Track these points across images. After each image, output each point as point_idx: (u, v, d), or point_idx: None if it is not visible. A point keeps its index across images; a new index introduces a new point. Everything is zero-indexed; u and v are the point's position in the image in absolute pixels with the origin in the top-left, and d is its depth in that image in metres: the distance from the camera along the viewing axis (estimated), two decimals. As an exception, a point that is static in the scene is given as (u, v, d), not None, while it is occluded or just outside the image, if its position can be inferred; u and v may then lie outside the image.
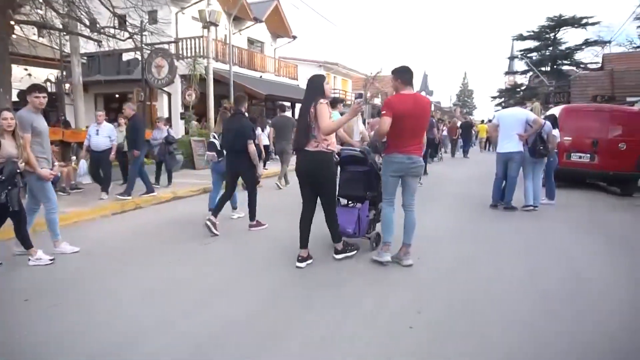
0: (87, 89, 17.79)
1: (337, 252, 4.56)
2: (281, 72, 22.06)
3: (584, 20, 37.23)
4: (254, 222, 5.95)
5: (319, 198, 4.40)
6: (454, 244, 5.21)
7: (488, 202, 7.35)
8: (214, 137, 6.40)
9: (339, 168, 4.83)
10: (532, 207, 6.93)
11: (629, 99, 19.47)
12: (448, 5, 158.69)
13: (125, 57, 14.09)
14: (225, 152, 6.03)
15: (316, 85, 4.28)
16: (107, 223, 6.63)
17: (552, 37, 39.02)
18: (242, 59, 18.93)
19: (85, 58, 13.60)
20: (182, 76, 16.10)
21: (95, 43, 9.74)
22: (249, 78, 18.52)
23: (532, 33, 39.35)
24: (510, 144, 6.74)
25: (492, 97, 48.57)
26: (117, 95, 18.13)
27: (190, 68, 14.04)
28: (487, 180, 10.13)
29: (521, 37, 39.72)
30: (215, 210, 5.69)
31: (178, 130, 16.49)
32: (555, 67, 38.79)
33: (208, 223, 5.57)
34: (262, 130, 11.28)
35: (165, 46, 12.99)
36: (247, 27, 19.91)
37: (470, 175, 12.34)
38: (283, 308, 3.45)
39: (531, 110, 7.07)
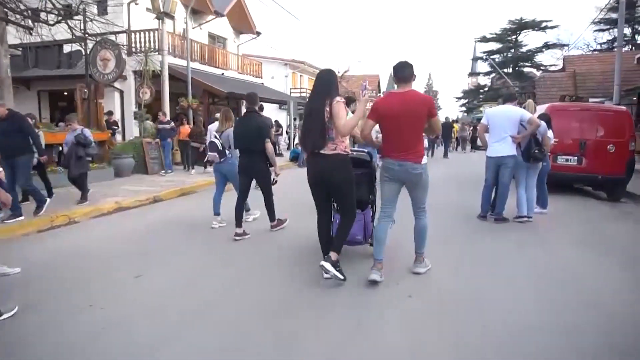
0: (29, 86, 16.03)
1: (334, 264, 3.69)
2: (245, 69, 20.81)
3: (544, 24, 38.03)
4: (275, 222, 5.73)
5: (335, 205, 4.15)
6: (448, 268, 4.27)
7: (474, 212, 6.49)
8: (215, 137, 5.93)
9: None
10: (526, 218, 6.08)
11: (591, 100, 19.51)
12: (414, 7, 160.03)
13: (67, 49, 12.49)
14: (239, 153, 5.57)
15: (327, 81, 3.85)
16: (27, 244, 5.35)
17: (514, 40, 39.59)
18: (203, 55, 17.57)
19: (20, 50, 11.93)
20: (136, 72, 14.63)
21: (25, 30, 8.32)
22: (210, 75, 17.20)
23: (494, 35, 39.81)
24: (503, 146, 5.87)
25: (457, 98, 48.88)
26: (65, 93, 16.39)
27: (142, 63, 12.63)
28: (467, 184, 9.34)
29: (484, 39, 40.07)
30: (238, 220, 5.36)
31: (132, 131, 15.02)
32: (517, 68, 39.38)
33: (236, 237, 5.28)
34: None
35: (112, 37, 11.52)
36: (207, 22, 18.56)
37: (449, 177, 11.55)
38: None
39: (524, 108, 6.22)
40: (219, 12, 18.70)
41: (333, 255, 3.73)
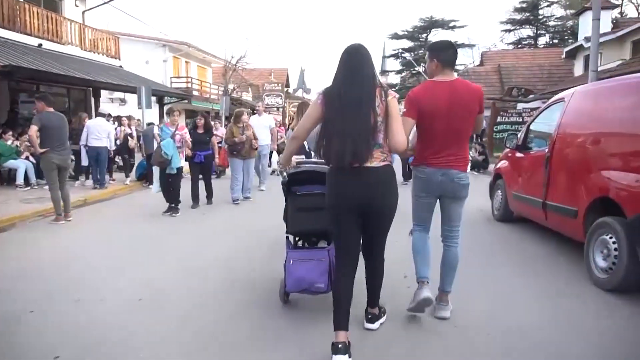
0: None
1: (374, 318, 2.63)
2: (92, 45, 13.88)
3: (452, 23, 35.92)
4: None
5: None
6: None
7: None
8: None
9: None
10: None
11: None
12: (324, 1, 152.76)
13: None
14: None
15: (369, 59, 2.33)
16: None
17: (425, 38, 36.86)
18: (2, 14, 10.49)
19: None
20: None
21: None
22: (15, 45, 10.28)
23: (406, 32, 36.89)
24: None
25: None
26: None
27: None
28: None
29: (396, 36, 36.87)
30: None
31: None
32: (428, 67, 36.49)
33: None
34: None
35: None
36: (15, -35, 11.38)
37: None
38: None
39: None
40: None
41: (375, 309, 2.64)
